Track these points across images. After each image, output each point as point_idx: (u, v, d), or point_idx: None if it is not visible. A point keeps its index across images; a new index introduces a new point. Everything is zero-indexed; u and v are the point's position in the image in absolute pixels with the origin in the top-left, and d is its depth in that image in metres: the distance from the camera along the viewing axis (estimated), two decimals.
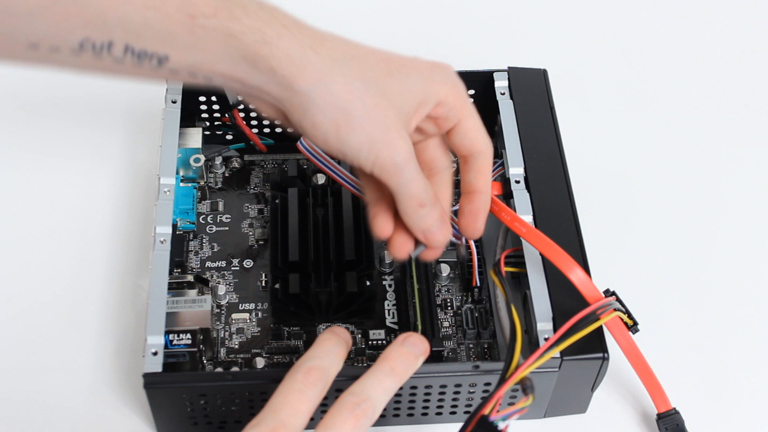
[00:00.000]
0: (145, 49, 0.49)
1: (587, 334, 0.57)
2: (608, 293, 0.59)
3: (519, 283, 0.66)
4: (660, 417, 0.62)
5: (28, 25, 0.47)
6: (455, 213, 0.61)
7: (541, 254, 0.61)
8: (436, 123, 0.58)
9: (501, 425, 0.53)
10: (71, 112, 0.79)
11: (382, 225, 0.58)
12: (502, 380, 0.54)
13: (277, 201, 0.70)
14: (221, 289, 0.66)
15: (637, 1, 0.91)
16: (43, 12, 0.47)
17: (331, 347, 0.55)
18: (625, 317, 0.59)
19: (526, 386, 0.54)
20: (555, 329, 0.59)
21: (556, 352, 0.56)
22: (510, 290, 0.60)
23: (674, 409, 0.62)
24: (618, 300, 0.59)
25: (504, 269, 0.61)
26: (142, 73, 0.50)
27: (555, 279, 0.60)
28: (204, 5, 0.49)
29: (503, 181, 0.68)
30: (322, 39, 0.53)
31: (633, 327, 0.59)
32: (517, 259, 0.63)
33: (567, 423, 0.64)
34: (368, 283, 0.66)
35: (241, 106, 0.71)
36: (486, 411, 0.53)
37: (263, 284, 0.67)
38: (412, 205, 0.56)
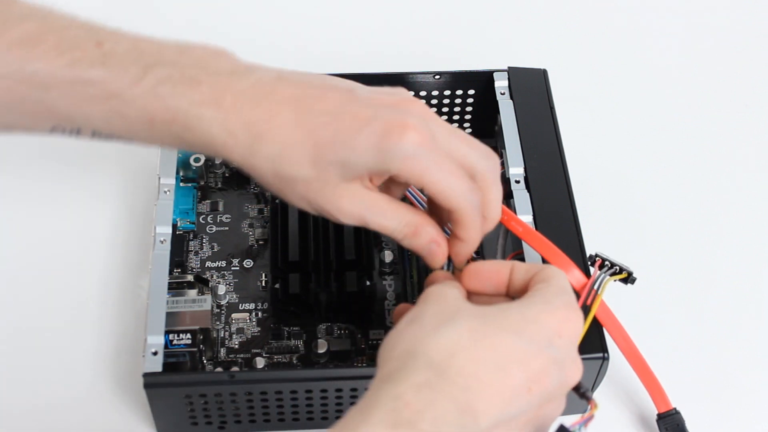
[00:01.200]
0: (110, 136, 0.54)
1: (587, 334, 0.57)
2: (591, 260, 0.59)
3: None
4: (660, 417, 0.62)
5: (1, 116, 0.52)
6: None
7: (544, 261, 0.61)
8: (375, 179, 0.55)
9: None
10: None
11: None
12: None
13: (277, 201, 0.69)
14: (221, 289, 0.66)
15: (637, 1, 0.91)
16: (13, 106, 0.51)
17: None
18: (618, 276, 0.59)
19: (584, 391, 0.53)
20: None
21: None
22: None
23: (674, 409, 0.62)
24: (604, 263, 0.59)
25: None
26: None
27: None
28: (164, 112, 0.51)
29: (503, 181, 0.68)
30: (270, 90, 0.53)
31: (629, 278, 0.59)
32: (518, 260, 0.63)
33: (567, 423, 0.64)
34: (368, 283, 0.66)
35: None
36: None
37: (263, 284, 0.67)
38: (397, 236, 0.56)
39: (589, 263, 0.60)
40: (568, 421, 0.53)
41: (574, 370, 0.50)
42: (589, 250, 0.63)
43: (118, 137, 0.54)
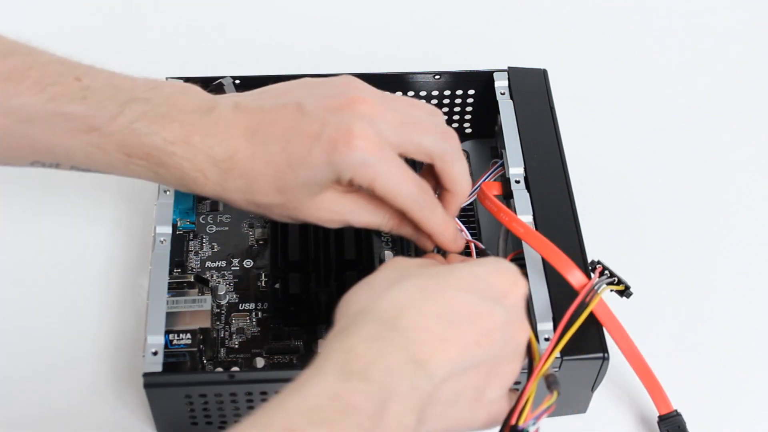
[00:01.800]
0: (88, 169, 0.57)
1: (588, 334, 0.58)
2: (593, 265, 0.60)
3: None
4: (661, 419, 0.62)
5: None
6: None
7: (544, 260, 0.61)
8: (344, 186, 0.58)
9: (532, 429, 0.52)
10: None
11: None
12: (523, 387, 0.54)
13: None
14: (221, 289, 0.66)
15: (637, 1, 0.91)
16: None
17: None
18: (615, 287, 0.59)
19: (551, 382, 0.53)
20: (555, 329, 0.59)
21: (557, 352, 0.56)
22: None
23: (676, 411, 0.61)
24: (604, 271, 0.60)
25: None
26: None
27: (555, 279, 0.60)
28: (139, 149, 0.55)
29: (503, 181, 0.68)
30: (230, 121, 0.57)
31: (626, 291, 0.60)
32: (520, 261, 0.63)
33: (567, 423, 0.64)
34: None
35: None
36: (513, 421, 0.52)
37: (263, 284, 0.67)
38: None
39: (590, 269, 0.60)
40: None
41: (520, 331, 0.52)
42: (590, 250, 0.63)
43: (95, 171, 0.57)
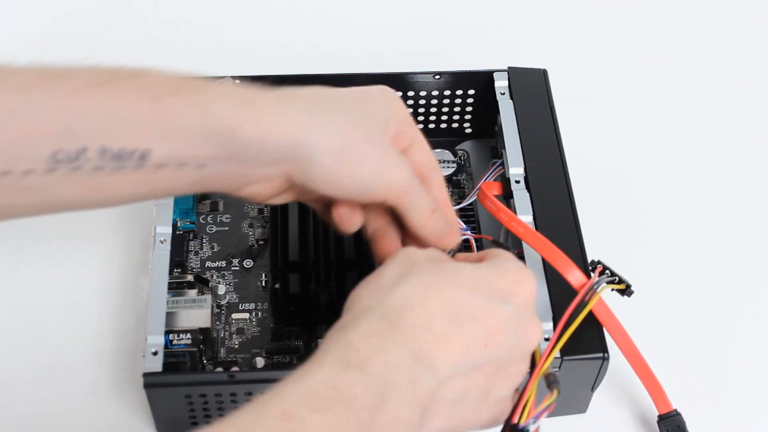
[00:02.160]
0: (123, 148, 0.47)
1: (588, 334, 0.58)
2: (593, 265, 0.60)
3: None
4: (661, 418, 0.62)
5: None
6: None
7: (543, 261, 0.61)
8: (396, 142, 0.57)
9: (532, 428, 0.52)
10: None
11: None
12: (524, 387, 0.54)
13: None
14: (221, 289, 0.66)
15: (637, 1, 0.91)
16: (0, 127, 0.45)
17: None
18: (616, 286, 0.59)
19: (551, 381, 0.53)
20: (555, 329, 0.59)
21: (556, 351, 0.56)
22: None
23: (675, 410, 0.61)
24: (604, 270, 0.60)
25: None
26: (128, 179, 0.49)
27: (555, 279, 0.60)
28: (164, 86, 0.48)
29: (503, 181, 0.68)
30: (290, 94, 0.53)
31: (627, 290, 0.59)
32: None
33: (567, 423, 0.64)
34: None
35: None
36: (515, 420, 0.52)
37: (263, 284, 0.67)
38: (425, 216, 0.56)
39: (591, 268, 0.60)
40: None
41: (532, 331, 0.52)
42: (589, 250, 0.63)
43: (130, 150, 0.48)
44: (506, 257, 0.54)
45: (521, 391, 0.54)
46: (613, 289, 0.60)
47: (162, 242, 0.63)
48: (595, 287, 0.58)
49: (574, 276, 0.59)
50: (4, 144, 0.46)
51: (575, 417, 0.64)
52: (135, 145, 0.48)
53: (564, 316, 0.57)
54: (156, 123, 0.48)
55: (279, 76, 0.71)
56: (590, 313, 0.58)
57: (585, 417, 0.64)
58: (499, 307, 0.50)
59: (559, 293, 0.60)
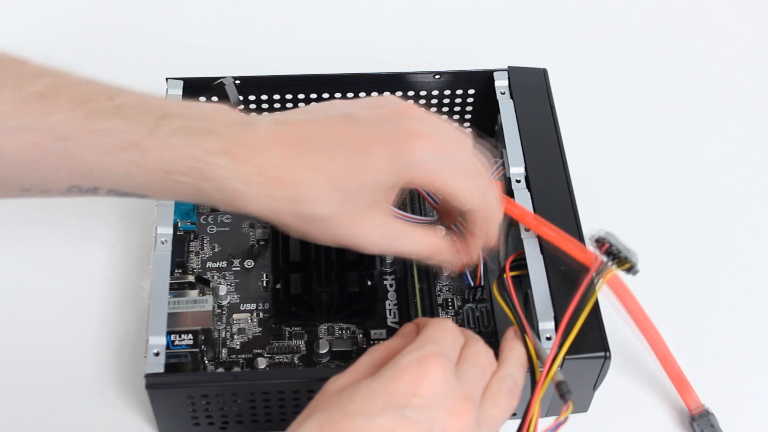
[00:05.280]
0: (126, 193, 0.55)
1: (589, 333, 0.58)
2: (600, 242, 0.59)
3: (520, 282, 0.66)
4: (694, 419, 0.62)
5: (21, 175, 0.52)
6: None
7: (543, 253, 0.61)
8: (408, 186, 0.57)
9: None
10: None
11: None
12: (528, 402, 0.53)
13: None
14: (222, 290, 0.66)
15: (637, 1, 0.91)
16: (35, 163, 0.51)
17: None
18: (622, 266, 0.58)
19: (563, 392, 0.52)
20: (557, 328, 0.59)
21: (565, 350, 0.56)
22: (518, 313, 0.58)
23: (707, 409, 0.62)
24: (609, 251, 0.58)
25: (510, 281, 0.60)
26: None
27: (556, 279, 0.60)
28: (179, 163, 0.52)
29: (504, 180, 0.68)
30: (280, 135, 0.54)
31: (632, 269, 0.58)
32: (521, 262, 0.63)
33: (568, 422, 0.64)
34: (369, 282, 0.66)
35: (241, 106, 0.71)
36: None
37: (264, 284, 0.67)
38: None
39: (595, 245, 0.59)
40: (542, 425, 0.53)
41: (450, 421, 0.49)
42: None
43: (134, 193, 0.55)
44: (409, 348, 0.51)
45: (526, 408, 0.53)
46: (618, 270, 0.58)
47: (163, 243, 0.63)
48: (603, 269, 0.58)
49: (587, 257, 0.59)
50: (34, 174, 0.52)
51: (577, 416, 0.64)
52: (137, 192, 0.55)
53: (567, 313, 0.57)
54: (160, 187, 0.53)
55: (279, 76, 0.71)
56: (595, 312, 0.58)
57: (587, 416, 0.64)
58: (399, 418, 0.48)
59: (561, 293, 0.60)
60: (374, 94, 0.72)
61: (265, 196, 0.53)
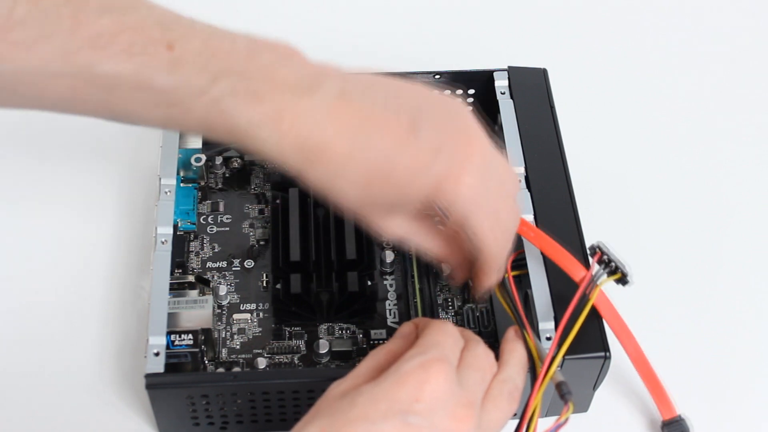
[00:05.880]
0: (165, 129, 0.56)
1: (589, 333, 0.57)
2: (592, 250, 0.59)
3: (520, 282, 0.66)
4: (665, 424, 0.62)
5: (56, 108, 0.51)
6: None
7: (544, 255, 0.61)
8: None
9: None
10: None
11: None
12: (527, 402, 0.53)
13: (277, 201, 0.70)
14: (222, 290, 0.66)
15: (638, 1, 0.91)
16: (72, 102, 0.50)
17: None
18: (614, 276, 0.58)
19: (564, 393, 0.52)
20: (556, 328, 0.59)
21: (563, 351, 0.56)
22: (519, 312, 0.58)
23: (679, 415, 0.61)
24: (602, 257, 0.58)
25: (512, 281, 0.60)
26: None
27: (556, 278, 0.60)
28: (222, 125, 0.50)
29: None
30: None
31: (623, 279, 0.58)
32: (521, 262, 0.63)
33: (569, 421, 0.64)
34: (369, 282, 0.66)
35: None
36: None
37: (264, 284, 0.67)
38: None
39: (589, 253, 0.60)
40: (542, 426, 0.53)
41: (453, 426, 0.49)
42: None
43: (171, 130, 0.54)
44: (411, 353, 0.51)
45: (525, 405, 0.53)
46: (610, 280, 0.58)
47: (163, 243, 0.63)
48: (592, 284, 0.58)
49: (579, 274, 0.59)
50: (73, 111, 0.51)
51: (577, 416, 0.64)
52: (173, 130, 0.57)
53: (565, 316, 0.57)
54: (192, 124, 0.51)
55: None
56: (597, 315, 0.58)
57: (587, 416, 0.64)
58: (401, 424, 0.48)
59: (561, 292, 0.60)
60: None
61: (299, 167, 0.51)
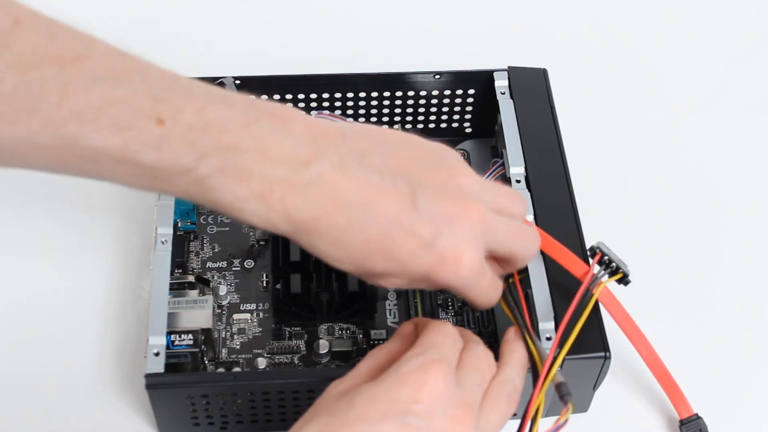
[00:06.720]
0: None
1: (589, 333, 0.57)
2: (592, 251, 0.59)
3: (520, 282, 0.66)
4: (683, 423, 0.62)
5: (41, 170, 0.50)
6: None
7: (543, 253, 0.61)
8: None
9: None
10: None
11: None
12: (528, 403, 0.53)
13: None
14: (222, 290, 0.66)
15: (637, 1, 0.91)
16: (57, 170, 0.50)
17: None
18: (615, 277, 0.58)
19: (563, 393, 0.52)
20: (556, 329, 0.59)
21: (564, 351, 0.56)
22: (523, 315, 0.58)
23: (696, 414, 0.61)
24: (602, 258, 0.59)
25: (519, 284, 0.60)
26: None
27: (556, 278, 0.60)
28: (206, 200, 0.50)
29: (504, 180, 0.68)
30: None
31: (624, 279, 0.58)
32: None
33: (568, 422, 0.64)
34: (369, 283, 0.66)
35: None
36: None
37: (264, 284, 0.67)
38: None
39: (589, 255, 0.60)
40: (542, 426, 0.53)
41: (450, 427, 0.49)
42: None
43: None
44: (411, 353, 0.51)
45: (527, 404, 0.53)
46: (611, 281, 0.59)
47: (163, 243, 0.63)
48: (595, 281, 0.58)
49: (581, 270, 0.59)
50: (53, 172, 0.50)
51: (577, 416, 0.64)
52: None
53: (566, 316, 0.57)
54: (176, 193, 0.51)
55: (279, 76, 0.71)
56: (595, 313, 0.58)
57: (587, 416, 0.64)
58: (400, 425, 0.47)
59: (561, 292, 0.60)
60: (374, 93, 0.72)
61: (290, 236, 0.51)
